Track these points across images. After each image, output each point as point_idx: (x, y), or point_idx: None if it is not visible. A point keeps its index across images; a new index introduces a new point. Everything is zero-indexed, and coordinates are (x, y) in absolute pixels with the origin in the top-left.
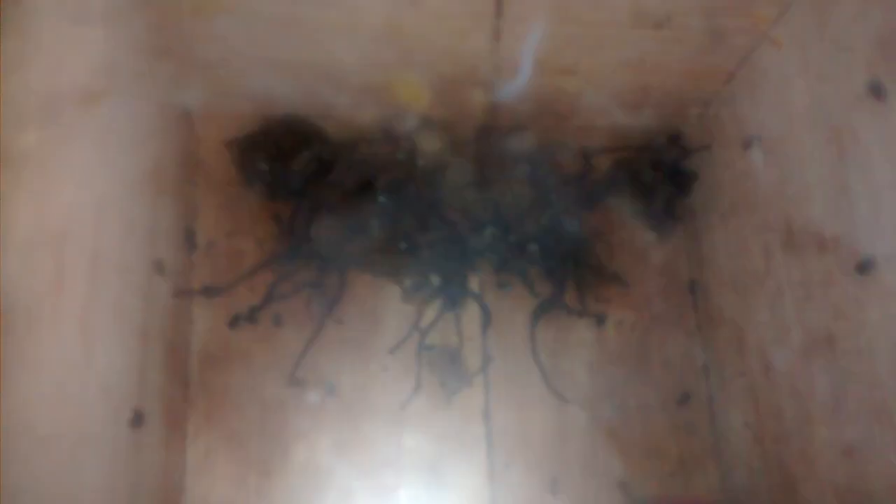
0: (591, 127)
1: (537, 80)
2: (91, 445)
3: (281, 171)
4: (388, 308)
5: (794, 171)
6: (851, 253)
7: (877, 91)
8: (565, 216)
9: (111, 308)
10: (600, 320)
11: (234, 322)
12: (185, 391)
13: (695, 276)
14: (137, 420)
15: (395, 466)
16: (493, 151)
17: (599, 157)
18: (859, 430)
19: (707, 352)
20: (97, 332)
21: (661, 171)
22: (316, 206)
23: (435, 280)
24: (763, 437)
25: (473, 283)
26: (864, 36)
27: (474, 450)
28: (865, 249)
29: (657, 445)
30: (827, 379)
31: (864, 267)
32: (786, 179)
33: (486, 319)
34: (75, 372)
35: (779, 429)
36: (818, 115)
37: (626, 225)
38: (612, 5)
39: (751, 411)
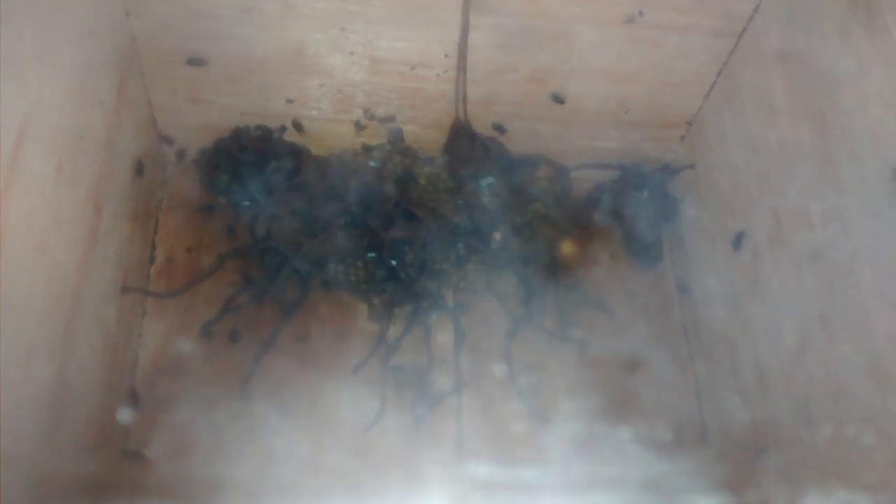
0: (569, 144)
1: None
2: None
3: (247, 180)
4: (355, 327)
5: (779, 160)
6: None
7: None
8: (544, 234)
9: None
10: (583, 346)
11: (204, 330)
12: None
13: (683, 300)
14: None
15: (356, 494)
16: (465, 159)
17: (581, 178)
18: (863, 417)
19: (700, 378)
20: None
21: (645, 194)
22: (279, 213)
23: (404, 290)
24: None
25: (447, 297)
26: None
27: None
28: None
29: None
30: (823, 372)
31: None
32: (770, 172)
33: (460, 337)
34: None
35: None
36: (798, 97)
37: (610, 249)
38: None
39: (748, 429)
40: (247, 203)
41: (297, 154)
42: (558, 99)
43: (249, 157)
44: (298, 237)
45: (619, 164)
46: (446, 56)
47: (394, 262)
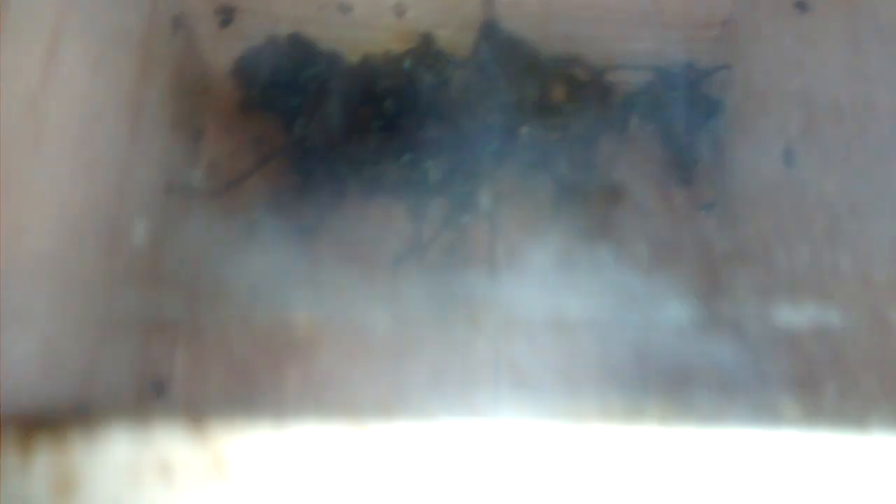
0: (602, 46)
1: None
2: None
3: (283, 87)
4: (390, 228)
5: (811, 51)
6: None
7: None
8: (582, 137)
9: None
10: (618, 246)
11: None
12: None
13: (718, 201)
14: None
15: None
16: (495, 61)
17: (615, 79)
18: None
19: (733, 280)
20: None
21: (681, 95)
22: (315, 118)
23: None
24: None
25: (482, 198)
26: None
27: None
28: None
29: None
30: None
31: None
32: (803, 64)
33: (495, 236)
34: None
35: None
36: None
37: (648, 153)
38: None
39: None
40: (283, 109)
41: (332, 59)
42: None
43: (284, 64)
44: (334, 140)
45: (653, 65)
46: None
47: (428, 164)
